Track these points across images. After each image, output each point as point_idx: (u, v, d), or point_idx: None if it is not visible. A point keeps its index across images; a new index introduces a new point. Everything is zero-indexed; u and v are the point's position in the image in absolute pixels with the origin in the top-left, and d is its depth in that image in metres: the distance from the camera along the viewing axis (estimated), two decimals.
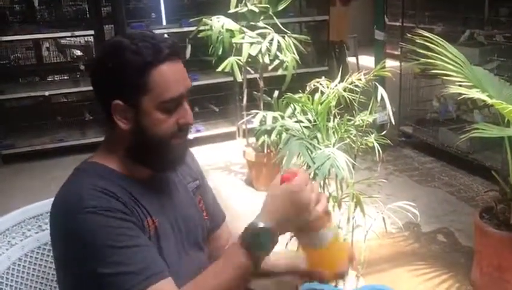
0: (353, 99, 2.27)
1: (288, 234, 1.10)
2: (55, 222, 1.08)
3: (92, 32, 4.61)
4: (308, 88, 2.40)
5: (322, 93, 2.32)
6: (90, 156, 1.16)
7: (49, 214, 1.31)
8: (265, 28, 3.54)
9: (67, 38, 5.28)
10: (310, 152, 2.01)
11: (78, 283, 1.04)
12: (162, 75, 1.05)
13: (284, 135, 2.35)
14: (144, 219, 1.07)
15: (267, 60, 3.46)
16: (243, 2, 3.56)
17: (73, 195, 1.03)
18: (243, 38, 3.45)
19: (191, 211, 1.23)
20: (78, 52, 5.51)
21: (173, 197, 1.19)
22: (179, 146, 1.12)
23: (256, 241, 1.00)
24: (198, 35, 3.51)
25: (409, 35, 2.51)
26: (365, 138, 2.27)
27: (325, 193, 1.06)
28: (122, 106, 1.06)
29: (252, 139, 3.74)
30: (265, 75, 3.82)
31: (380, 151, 2.23)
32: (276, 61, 3.49)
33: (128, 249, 1.00)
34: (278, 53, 3.42)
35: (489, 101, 2.09)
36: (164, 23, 5.00)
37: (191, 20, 4.02)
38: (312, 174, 1.95)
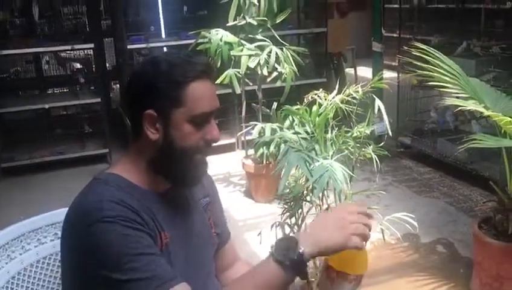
0: (351, 110, 2.29)
1: None
2: (72, 229, 1.08)
3: (91, 45, 4.63)
4: (306, 100, 2.41)
5: (320, 105, 2.34)
6: (109, 166, 1.18)
7: (48, 227, 1.32)
8: (263, 40, 3.57)
9: (67, 52, 5.30)
10: (308, 164, 2.02)
11: None
12: (196, 91, 1.09)
13: (282, 147, 2.36)
14: (157, 234, 1.09)
15: (265, 72, 3.49)
16: (242, 15, 3.59)
17: (94, 205, 1.05)
18: (241, 50, 3.48)
19: (202, 228, 1.25)
20: (78, 65, 5.54)
21: (186, 213, 1.21)
22: (201, 162, 1.16)
23: (289, 263, 1.03)
24: (197, 48, 3.54)
25: (405, 47, 2.54)
26: (363, 149, 2.28)
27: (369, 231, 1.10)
28: (154, 116, 1.09)
29: (251, 151, 3.75)
30: (263, 87, 3.84)
31: (378, 162, 2.24)
32: (275, 73, 3.52)
33: (144, 256, 1.02)
34: (276, 65, 3.44)
35: (486, 112, 2.10)
36: (163, 36, 5.04)
37: (189, 33, 4.05)
38: (310, 187, 1.96)
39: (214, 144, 1.16)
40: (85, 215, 1.04)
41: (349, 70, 6.57)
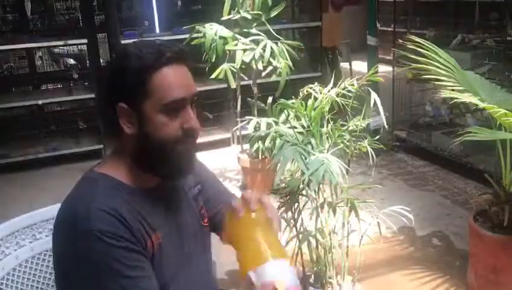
0: (346, 104, 2.28)
1: None
2: (60, 235, 1.08)
3: (85, 40, 4.60)
4: (301, 94, 2.41)
5: (315, 99, 2.33)
6: (98, 163, 1.15)
7: (42, 223, 1.32)
8: (258, 34, 3.55)
9: (60, 47, 5.28)
10: (303, 158, 2.01)
11: None
12: (163, 79, 1.06)
13: (278, 141, 2.35)
14: (147, 239, 1.07)
15: (260, 66, 3.47)
16: (236, 9, 3.57)
17: (81, 212, 1.03)
18: (236, 45, 3.46)
19: (192, 219, 1.23)
20: (72, 61, 5.51)
21: (178, 205, 1.20)
22: (186, 152, 1.10)
23: None
24: (192, 43, 3.52)
25: (400, 40, 2.53)
26: (359, 143, 2.27)
27: None
28: (127, 109, 1.07)
29: (247, 146, 3.74)
30: (258, 81, 3.83)
31: (374, 156, 2.24)
32: (270, 68, 3.50)
33: (124, 280, 1.00)
34: (271, 59, 3.43)
35: (481, 104, 2.10)
36: (157, 31, 5.01)
37: (184, 27, 4.03)
38: (306, 181, 1.96)
39: (195, 133, 1.10)
40: (72, 223, 1.03)
41: (344, 65, 6.57)
